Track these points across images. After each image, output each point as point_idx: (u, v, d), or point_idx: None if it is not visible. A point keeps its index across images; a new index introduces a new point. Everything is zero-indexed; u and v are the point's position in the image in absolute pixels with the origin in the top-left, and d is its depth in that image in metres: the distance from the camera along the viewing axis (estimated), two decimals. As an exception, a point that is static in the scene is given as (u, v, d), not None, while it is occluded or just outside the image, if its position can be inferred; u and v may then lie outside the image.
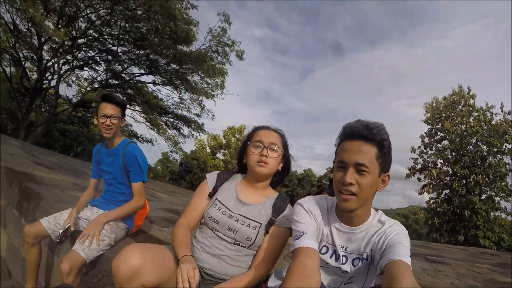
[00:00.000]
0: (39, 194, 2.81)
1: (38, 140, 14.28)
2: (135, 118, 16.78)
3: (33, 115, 14.77)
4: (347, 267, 1.23)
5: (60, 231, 1.97)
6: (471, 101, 17.42)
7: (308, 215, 1.24)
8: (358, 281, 1.25)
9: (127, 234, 2.22)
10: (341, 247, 1.25)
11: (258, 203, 1.51)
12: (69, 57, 14.17)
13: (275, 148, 1.49)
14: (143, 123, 16.87)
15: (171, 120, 17.16)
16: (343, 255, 1.24)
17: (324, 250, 1.27)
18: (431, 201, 18.10)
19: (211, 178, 1.59)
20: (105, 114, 2.01)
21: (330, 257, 1.26)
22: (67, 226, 1.98)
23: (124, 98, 16.21)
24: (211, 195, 1.55)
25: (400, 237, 1.13)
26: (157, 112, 16.11)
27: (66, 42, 12.61)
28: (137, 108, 16.64)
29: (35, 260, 2.04)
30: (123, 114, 2.14)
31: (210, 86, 15.66)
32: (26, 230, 2.01)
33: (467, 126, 16.56)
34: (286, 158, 1.56)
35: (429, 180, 17.75)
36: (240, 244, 1.44)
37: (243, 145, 1.59)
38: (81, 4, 12.03)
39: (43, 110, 16.15)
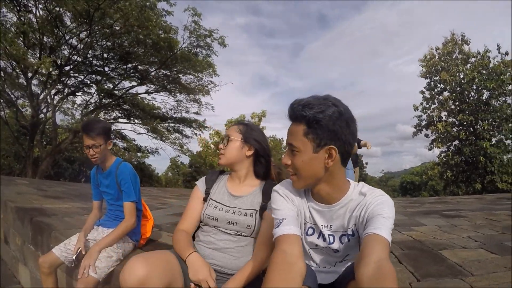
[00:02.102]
0: (50, 225, 2.90)
1: (46, 173, 14.48)
2: (136, 131, 17.02)
3: (36, 151, 14.94)
4: (336, 245, 1.21)
5: (73, 257, 2.04)
6: (466, 47, 17.14)
7: (285, 200, 1.23)
8: (353, 259, 1.23)
9: (136, 247, 2.29)
10: (324, 227, 1.22)
11: (249, 193, 1.59)
12: (59, 86, 14.30)
13: (229, 138, 1.62)
14: (145, 134, 17.07)
15: (172, 125, 17.35)
16: (329, 234, 1.22)
17: (310, 231, 1.26)
18: (442, 154, 17.97)
19: (201, 184, 1.71)
20: (87, 145, 2.08)
21: (318, 238, 1.25)
22: (78, 250, 2.04)
23: (122, 114, 16.37)
24: (205, 199, 1.64)
25: (380, 207, 1.09)
26: (156, 120, 16.24)
27: (53, 72, 12.72)
28: (137, 121, 16.81)
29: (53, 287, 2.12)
30: (108, 138, 2.17)
31: (202, 81, 15.75)
32: (41, 261, 2.09)
33: (465, 74, 16.32)
34: (252, 144, 1.62)
35: (436, 135, 17.63)
36: (243, 234, 1.52)
37: None
38: (59, 32, 12.08)
39: (44, 143, 16.36)
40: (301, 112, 1.09)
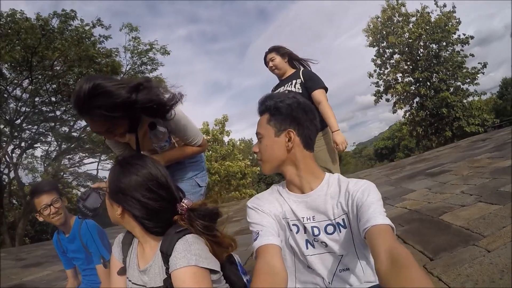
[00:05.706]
0: (33, 300, 2.66)
1: (24, 237, 13.66)
2: (105, 168, 16.31)
3: (10, 216, 14.06)
4: (322, 237, 1.17)
5: None
6: (403, 9, 17.83)
7: (256, 212, 1.24)
8: (352, 263, 1.15)
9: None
10: (306, 219, 1.21)
11: (152, 259, 1.17)
12: (15, 141, 13.55)
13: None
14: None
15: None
16: (312, 226, 1.19)
17: (295, 229, 1.23)
18: (407, 114, 18.69)
19: (116, 251, 1.30)
20: (45, 204, 1.91)
21: (305, 233, 1.22)
22: None
23: (86, 155, 15.51)
24: (121, 273, 1.27)
25: (367, 193, 1.09)
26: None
27: (4, 129, 12.04)
28: (103, 157, 16.13)
29: None
30: (61, 194, 2.02)
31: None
32: None
33: (410, 33, 16.98)
34: (118, 202, 1.15)
35: (397, 97, 18.27)
36: None
37: None
38: (1, 86, 11.45)
39: (15, 205, 15.46)
40: (265, 103, 1.25)
